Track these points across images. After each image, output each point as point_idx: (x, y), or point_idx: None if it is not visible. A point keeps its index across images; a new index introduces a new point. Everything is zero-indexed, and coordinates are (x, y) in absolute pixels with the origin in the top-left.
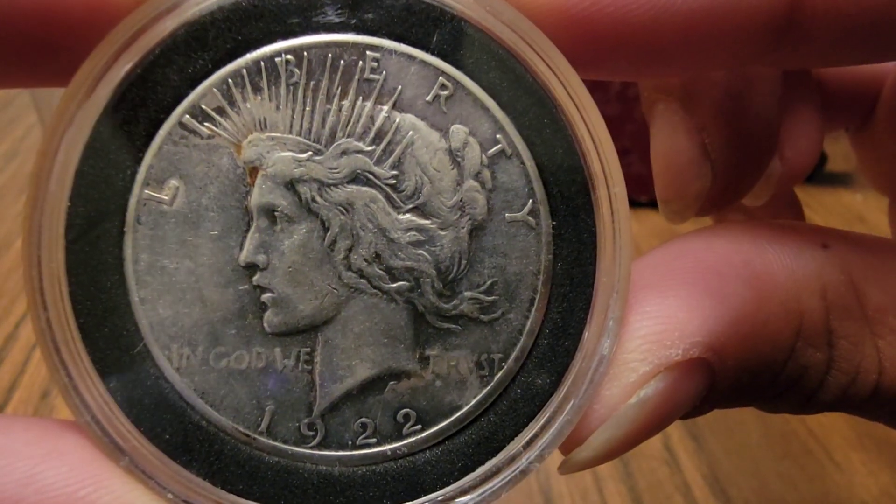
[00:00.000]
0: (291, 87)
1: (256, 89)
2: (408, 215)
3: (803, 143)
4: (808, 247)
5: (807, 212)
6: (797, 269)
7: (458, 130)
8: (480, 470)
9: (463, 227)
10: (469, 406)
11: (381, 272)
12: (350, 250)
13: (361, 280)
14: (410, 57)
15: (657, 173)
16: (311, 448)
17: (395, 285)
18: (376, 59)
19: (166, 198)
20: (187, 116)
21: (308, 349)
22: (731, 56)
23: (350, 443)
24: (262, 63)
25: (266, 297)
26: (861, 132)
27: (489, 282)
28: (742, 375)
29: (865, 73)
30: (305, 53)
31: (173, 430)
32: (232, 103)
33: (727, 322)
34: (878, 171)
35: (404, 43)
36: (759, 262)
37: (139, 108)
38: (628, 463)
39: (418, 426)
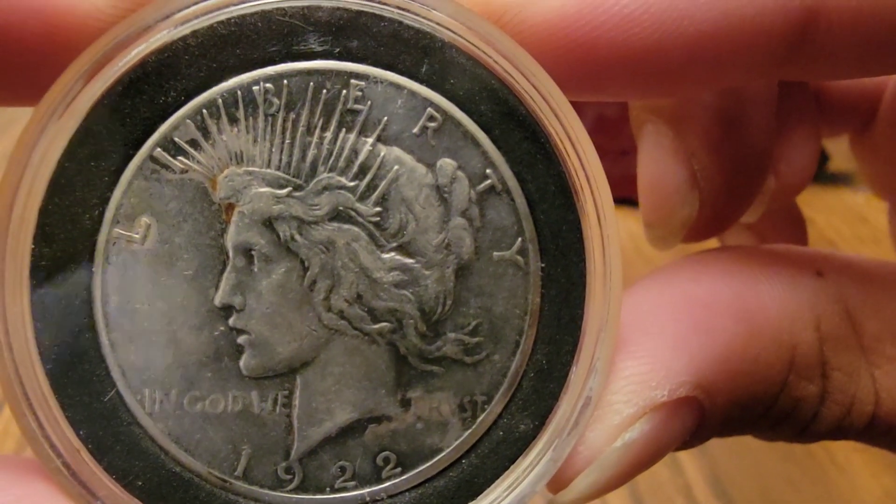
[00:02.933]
0: (270, 118)
1: (232, 120)
2: (391, 254)
3: (799, 158)
4: (802, 276)
5: (809, 212)
6: (790, 301)
7: (447, 165)
8: None
9: (448, 267)
10: (450, 448)
11: (362, 313)
12: (331, 291)
13: (342, 321)
14: (398, 86)
15: (643, 196)
16: (289, 492)
17: (376, 326)
18: (361, 89)
19: (137, 236)
20: (159, 150)
21: (286, 392)
22: (738, 75)
23: (328, 487)
24: (239, 92)
25: (243, 339)
26: (861, 137)
27: (474, 323)
28: (733, 410)
29: (865, 80)
30: (285, 82)
31: (147, 477)
32: (206, 135)
33: (716, 358)
34: (879, 176)
35: (391, 71)
36: (749, 294)
37: (107, 142)
38: None
39: (398, 469)
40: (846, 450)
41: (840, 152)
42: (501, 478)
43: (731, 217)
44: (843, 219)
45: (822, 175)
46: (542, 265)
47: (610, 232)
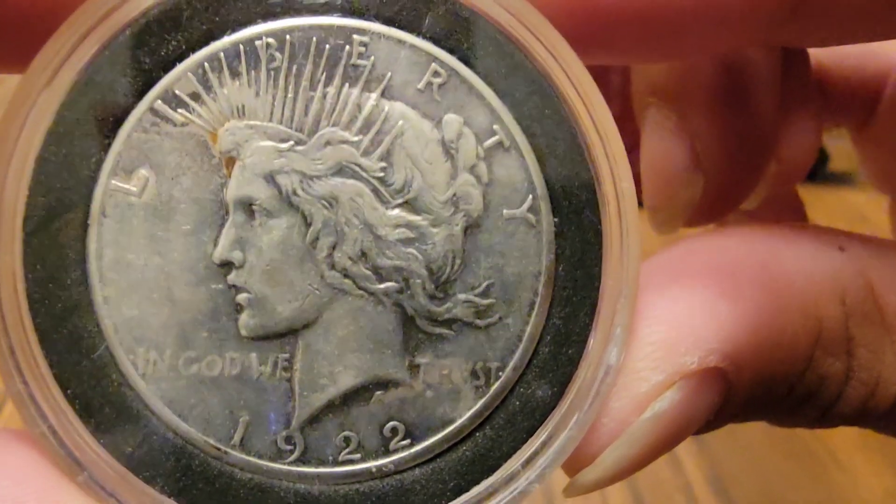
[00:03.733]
0: (272, 73)
1: (234, 74)
2: (397, 211)
3: (801, 142)
4: (825, 249)
5: (809, 211)
6: (815, 273)
7: (452, 120)
8: (475, 490)
9: (457, 225)
10: (463, 419)
11: (367, 272)
12: (334, 248)
13: (346, 280)
14: (401, 41)
15: (646, 180)
16: (289, 464)
17: (382, 286)
18: (364, 44)
19: (135, 189)
20: (159, 102)
21: (286, 355)
22: (739, 34)
23: (331, 458)
24: (241, 46)
25: (242, 297)
26: (863, 130)
27: (485, 284)
28: (758, 386)
29: (868, 70)
30: (288, 37)
31: (137, 443)
32: (208, 89)
33: (744, 329)
34: (880, 169)
35: (394, 27)
36: (775, 264)
37: (107, 93)
38: None
39: (407, 441)
40: (847, 449)
41: (840, 152)
42: (519, 452)
43: (734, 199)
44: (844, 218)
45: (822, 175)
46: (556, 223)
47: (625, 188)
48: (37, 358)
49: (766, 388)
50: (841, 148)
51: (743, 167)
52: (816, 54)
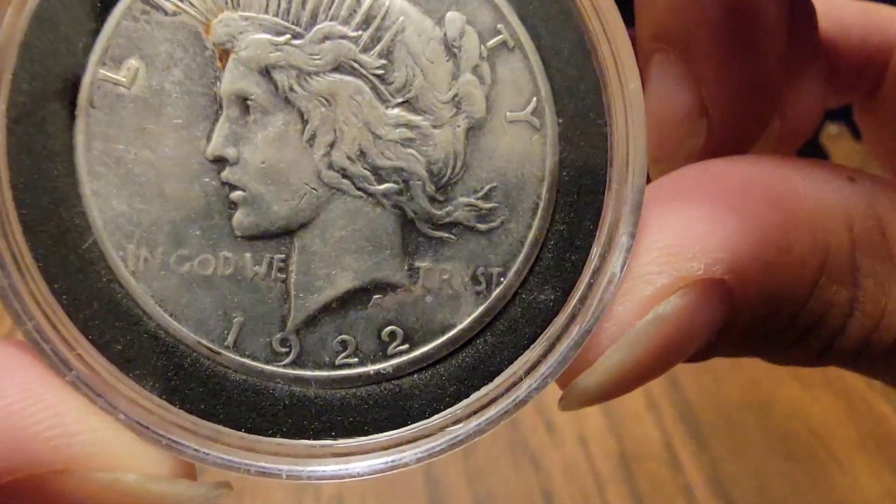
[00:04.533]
0: None
1: None
2: (397, 110)
3: (806, 102)
4: (835, 177)
5: None
6: (824, 198)
7: (455, 18)
8: (474, 396)
9: (458, 126)
10: (463, 325)
11: (365, 172)
12: (331, 146)
13: (344, 180)
14: None
15: (649, 131)
16: (284, 366)
17: (381, 187)
18: None
19: (124, 79)
20: None
21: (282, 255)
22: None
23: (328, 362)
24: None
25: (236, 195)
26: (867, 103)
27: (487, 187)
28: (762, 307)
29: (873, 43)
30: None
31: (126, 341)
32: None
33: (751, 243)
34: (882, 144)
35: None
36: (785, 186)
37: None
38: (629, 464)
39: (405, 346)
40: (847, 449)
41: (840, 152)
42: (521, 359)
43: (736, 151)
44: None
45: None
46: (560, 125)
47: (632, 89)
48: (22, 250)
49: (769, 310)
50: (841, 148)
51: (748, 117)
52: (822, 28)
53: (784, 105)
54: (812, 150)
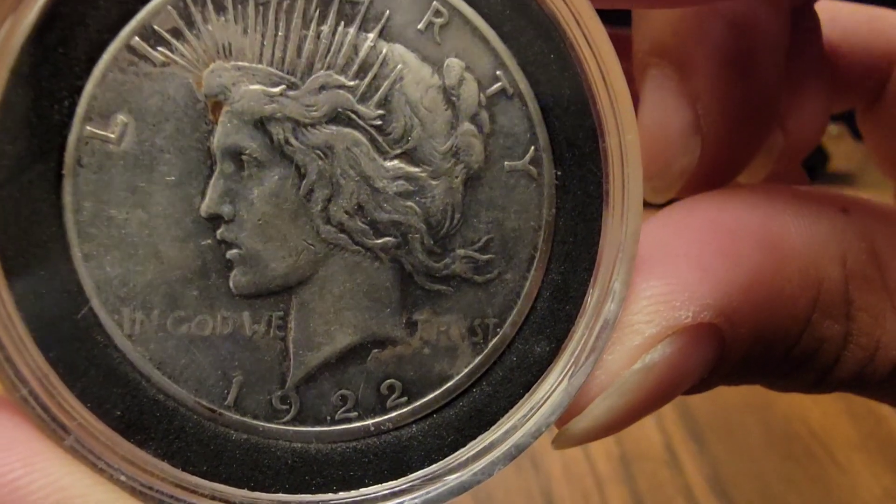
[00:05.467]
0: (261, 8)
1: (219, 9)
2: (395, 162)
3: (808, 115)
4: (828, 211)
5: None
6: (816, 234)
7: (454, 65)
8: (472, 445)
9: (457, 177)
10: (460, 376)
11: (364, 226)
12: (329, 201)
13: (342, 235)
14: None
15: (643, 146)
16: (285, 423)
17: (379, 241)
18: None
19: (113, 136)
20: (137, 39)
21: (281, 313)
22: None
23: (328, 417)
24: None
25: (232, 253)
26: (870, 110)
27: (485, 238)
28: (754, 346)
29: (877, 50)
30: None
31: (125, 406)
32: (190, 24)
33: (741, 286)
34: (885, 149)
35: None
36: (775, 224)
37: (77, 27)
38: (629, 465)
39: (404, 398)
40: (846, 449)
41: (840, 152)
42: (516, 407)
43: (731, 168)
44: None
45: (822, 175)
46: (557, 175)
47: (630, 140)
48: (13, 319)
49: (762, 347)
50: (841, 148)
51: (743, 134)
52: (825, 34)
53: (786, 119)
54: (813, 152)
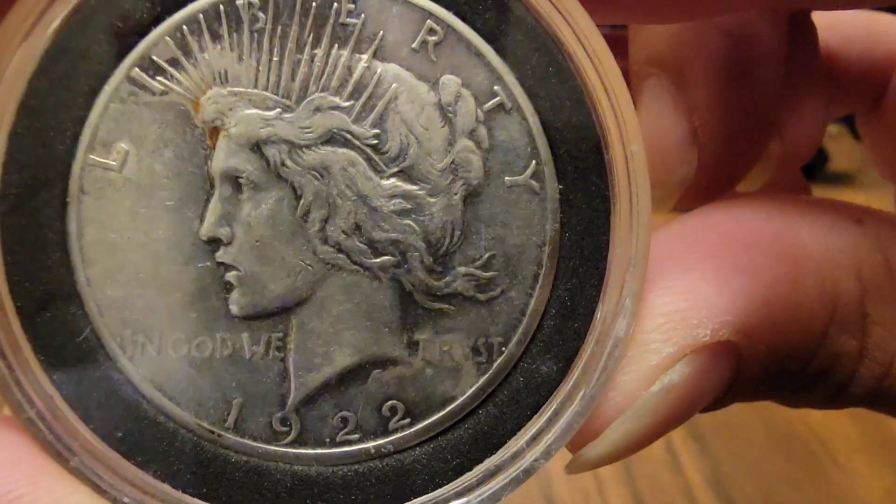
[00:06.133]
0: (256, 35)
1: (215, 37)
2: (392, 180)
3: (806, 124)
4: (842, 222)
5: None
6: (831, 246)
7: (450, 82)
8: (478, 469)
9: (456, 194)
10: (464, 397)
11: (362, 246)
12: (326, 221)
13: (340, 255)
14: None
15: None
16: (285, 445)
17: (378, 260)
18: (353, 1)
19: (114, 163)
20: (136, 70)
21: (280, 334)
22: None
23: (329, 439)
24: (222, 7)
25: (231, 275)
26: (870, 116)
27: (486, 255)
28: (771, 363)
29: (876, 56)
30: None
31: (127, 428)
32: (187, 54)
33: (759, 301)
34: (885, 156)
35: None
36: (790, 236)
37: (80, 61)
38: (630, 465)
39: (406, 420)
40: (847, 449)
41: (840, 152)
42: (523, 430)
43: (729, 179)
44: None
45: (822, 175)
46: (560, 189)
47: (635, 151)
48: (20, 342)
49: (779, 363)
50: (841, 148)
51: (741, 145)
52: (824, 39)
53: (784, 127)
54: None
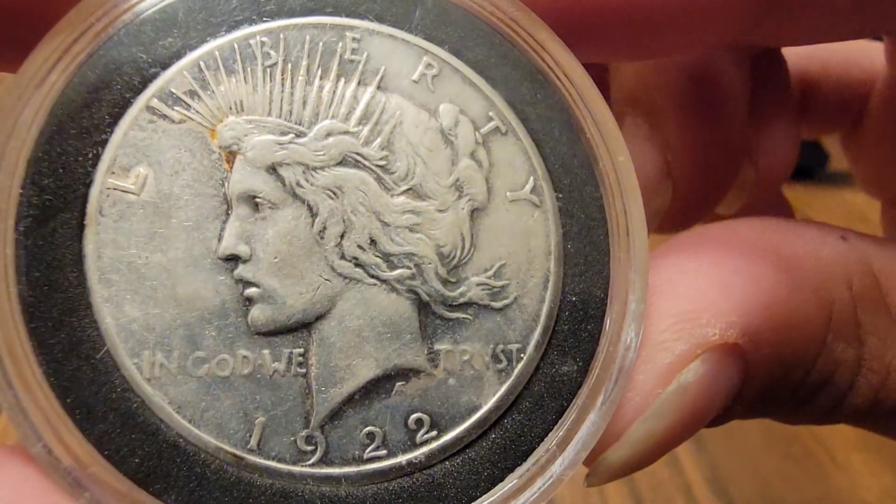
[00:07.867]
0: (268, 70)
1: (230, 71)
2: (402, 198)
3: (778, 150)
4: (829, 237)
5: (808, 212)
6: (822, 257)
7: (448, 109)
8: (511, 479)
9: (463, 208)
10: (489, 405)
11: (377, 259)
12: (342, 237)
13: (357, 269)
14: (392, 37)
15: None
16: (311, 466)
17: (394, 273)
18: (356, 40)
19: (133, 186)
20: (156, 100)
21: (301, 350)
22: (720, 27)
23: (356, 456)
24: (236, 45)
25: (250, 291)
26: (852, 136)
27: (497, 265)
28: (775, 369)
29: (853, 78)
30: (282, 35)
31: (145, 453)
32: (205, 86)
33: (761, 305)
34: (869, 173)
35: (385, 23)
36: (786, 247)
37: (102, 91)
38: None
39: (434, 432)
40: (846, 449)
41: (840, 152)
42: (551, 434)
43: (703, 207)
44: (843, 219)
45: (822, 175)
46: (559, 200)
47: (621, 162)
48: (32, 367)
49: (782, 369)
50: (841, 148)
51: (712, 175)
52: (803, 64)
53: (756, 154)
54: (813, 152)
